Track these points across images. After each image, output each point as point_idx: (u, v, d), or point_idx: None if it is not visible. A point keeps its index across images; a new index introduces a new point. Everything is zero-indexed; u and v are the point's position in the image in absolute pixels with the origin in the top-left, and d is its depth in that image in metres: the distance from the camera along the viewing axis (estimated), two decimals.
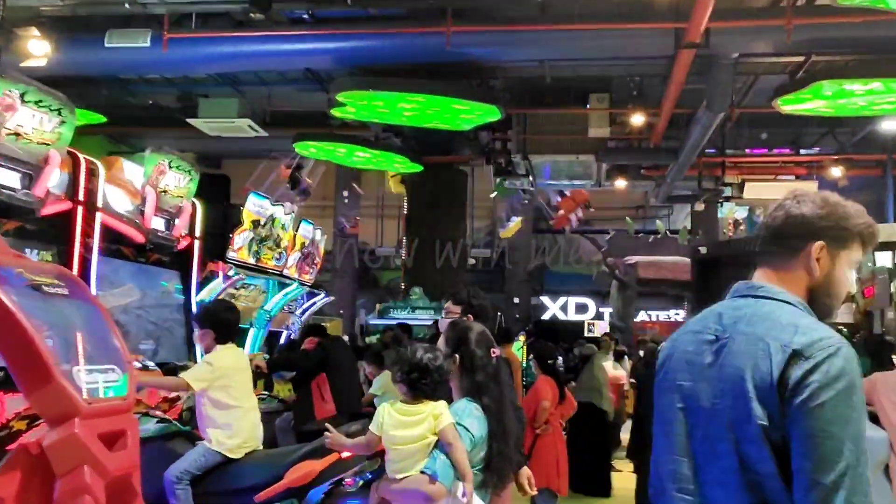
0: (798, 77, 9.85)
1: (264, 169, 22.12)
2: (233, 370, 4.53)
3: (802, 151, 14.48)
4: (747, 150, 14.53)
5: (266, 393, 6.84)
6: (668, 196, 15.73)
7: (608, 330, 29.54)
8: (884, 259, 9.55)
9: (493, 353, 3.44)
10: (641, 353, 13.27)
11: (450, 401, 3.30)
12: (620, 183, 14.85)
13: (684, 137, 12.05)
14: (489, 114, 10.91)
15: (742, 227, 29.87)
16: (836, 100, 10.00)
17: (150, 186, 5.38)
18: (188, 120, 11.87)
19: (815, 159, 13.90)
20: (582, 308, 30.77)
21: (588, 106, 12.23)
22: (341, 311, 24.64)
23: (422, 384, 3.18)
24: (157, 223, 5.59)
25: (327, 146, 12.59)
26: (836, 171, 13.77)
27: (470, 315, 4.17)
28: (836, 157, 13.64)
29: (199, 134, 12.62)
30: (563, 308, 30.80)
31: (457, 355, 3.32)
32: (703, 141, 11.48)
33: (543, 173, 14.74)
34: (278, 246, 7.03)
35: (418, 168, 13.91)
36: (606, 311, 30.55)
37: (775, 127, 14.55)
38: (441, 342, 3.49)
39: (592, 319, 30.66)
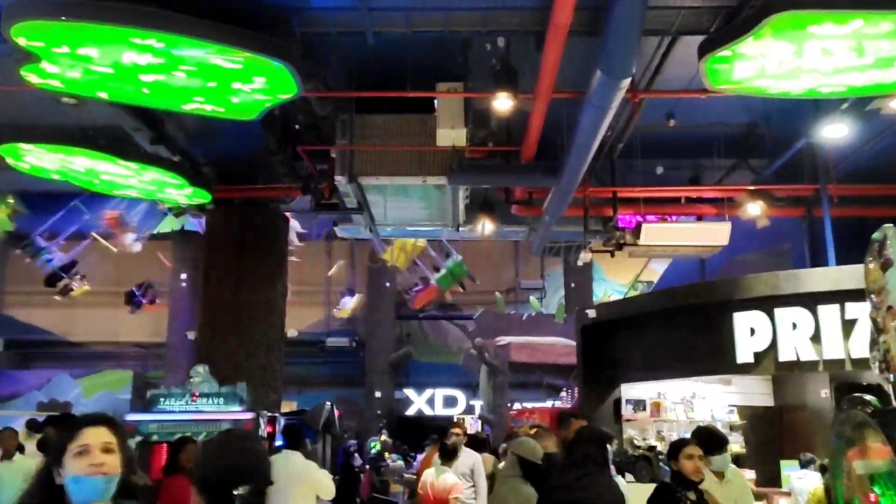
0: (739, 20, 6.29)
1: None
2: None
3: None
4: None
5: None
6: (545, 247, 11.89)
7: (478, 424, 25.29)
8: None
9: None
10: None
11: None
12: (486, 227, 10.94)
13: (569, 139, 8.26)
14: (280, 84, 6.79)
15: None
16: (791, 62, 6.48)
17: None
18: None
19: (728, 193, 10.45)
20: (450, 401, 26.46)
21: (436, 100, 8.33)
22: None
23: None
24: None
25: (53, 151, 8.07)
26: (755, 209, 10.35)
27: None
28: (753, 189, 10.25)
29: None
30: (430, 402, 26.40)
31: None
32: (594, 138, 7.70)
33: (382, 215, 10.65)
34: None
35: (205, 197, 9.55)
36: (478, 403, 26.34)
37: (672, 157, 11.13)
38: None
39: (462, 414, 26.38)
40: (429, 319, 28.67)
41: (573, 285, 26.35)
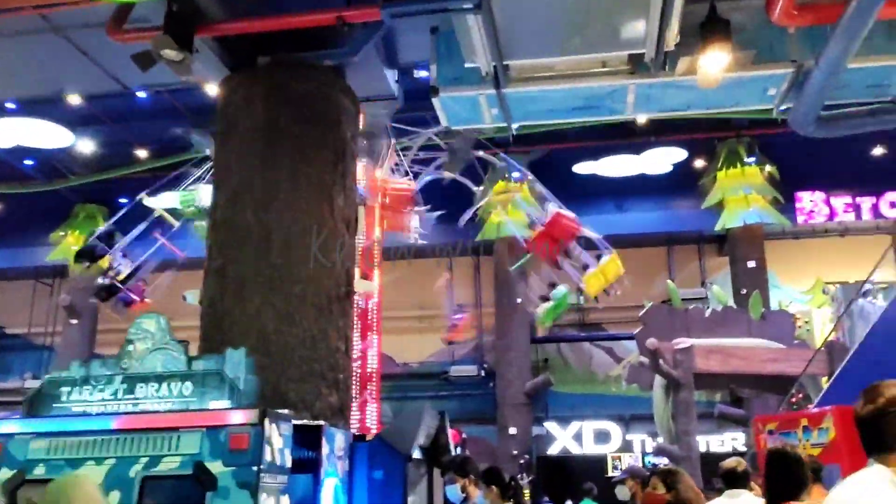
0: None
1: None
2: None
3: None
4: None
5: None
6: (816, 117, 5.98)
7: (642, 462, 18.82)
8: None
9: None
10: None
11: None
12: (715, 61, 5.34)
13: None
14: None
15: (807, 324, 19.88)
16: None
17: None
18: None
19: None
20: (603, 437, 20.25)
21: None
22: None
23: None
24: None
25: None
26: None
27: None
28: None
29: None
30: (577, 437, 20.29)
31: None
32: None
33: (513, 35, 5.16)
34: None
35: None
36: (637, 438, 19.98)
37: None
38: None
39: (618, 452, 20.13)
40: (568, 342, 22.79)
41: (743, 292, 19.89)
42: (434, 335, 23.10)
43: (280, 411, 3.96)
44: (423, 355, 22.86)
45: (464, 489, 4.71)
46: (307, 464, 4.45)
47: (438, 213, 13.90)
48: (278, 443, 3.85)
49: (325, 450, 4.47)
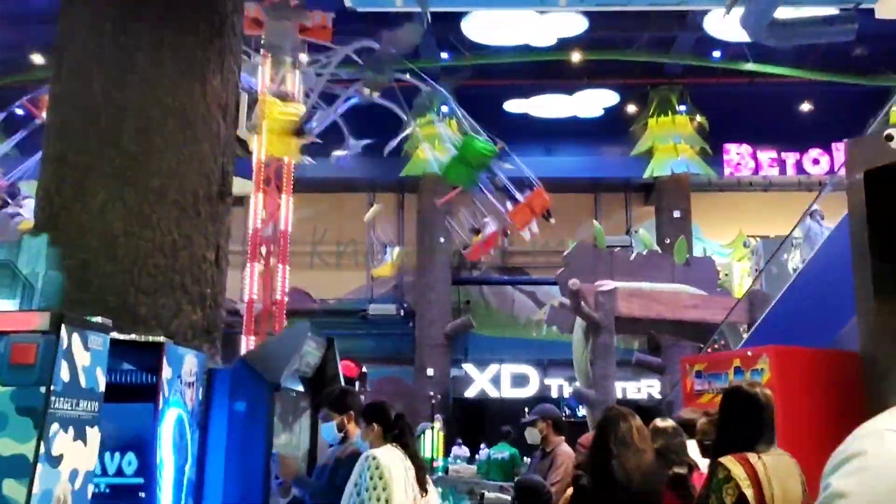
0: None
1: None
2: None
3: None
4: None
5: None
6: (770, 21, 5.19)
7: (562, 401, 18.51)
8: None
9: None
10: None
11: None
12: None
13: None
14: None
15: (726, 276, 19.69)
16: None
17: None
18: None
19: None
20: (521, 380, 19.86)
21: None
22: None
23: None
24: None
25: None
26: None
27: None
28: None
29: None
30: (495, 381, 19.84)
31: None
32: None
33: None
34: None
35: None
36: (555, 383, 19.68)
37: None
38: None
39: (535, 396, 19.79)
40: (491, 284, 22.17)
41: (668, 241, 19.62)
42: (353, 271, 22.16)
43: (90, 318, 2.97)
44: (342, 292, 21.91)
45: (341, 427, 3.85)
46: (145, 391, 3.51)
47: (365, 142, 12.78)
48: (83, 359, 2.88)
49: (166, 373, 3.51)
